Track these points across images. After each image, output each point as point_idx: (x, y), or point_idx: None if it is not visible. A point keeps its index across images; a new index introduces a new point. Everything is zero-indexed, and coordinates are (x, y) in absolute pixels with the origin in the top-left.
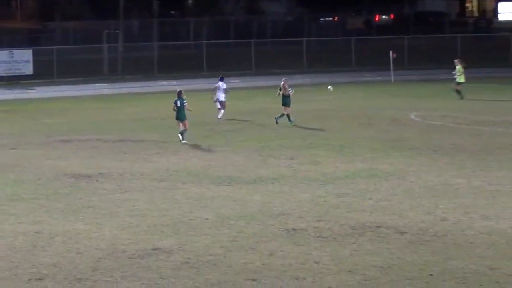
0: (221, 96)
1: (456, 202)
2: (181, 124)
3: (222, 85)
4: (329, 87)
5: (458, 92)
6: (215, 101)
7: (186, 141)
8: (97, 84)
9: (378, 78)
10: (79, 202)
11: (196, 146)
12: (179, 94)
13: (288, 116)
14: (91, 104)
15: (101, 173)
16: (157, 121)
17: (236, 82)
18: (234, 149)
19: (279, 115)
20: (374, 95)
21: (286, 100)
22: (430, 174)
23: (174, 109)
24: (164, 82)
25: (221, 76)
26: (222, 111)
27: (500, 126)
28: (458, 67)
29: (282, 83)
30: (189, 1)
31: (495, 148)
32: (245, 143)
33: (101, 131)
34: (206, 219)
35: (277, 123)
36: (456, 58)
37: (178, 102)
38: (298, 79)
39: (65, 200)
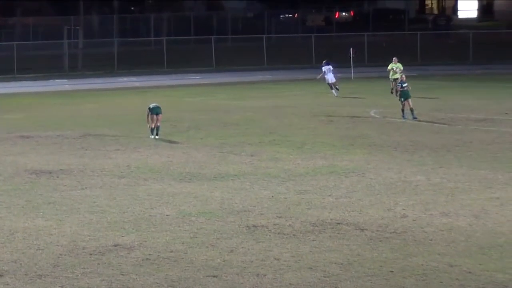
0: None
1: (415, 199)
2: (156, 117)
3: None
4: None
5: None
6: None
7: (157, 136)
8: (57, 80)
9: (339, 75)
10: (39, 198)
11: (157, 143)
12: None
13: (410, 110)
14: (52, 100)
15: (61, 169)
16: (117, 117)
17: (197, 78)
18: (195, 145)
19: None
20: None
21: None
22: (390, 171)
23: (147, 116)
24: (124, 78)
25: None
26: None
27: (460, 123)
28: (399, 65)
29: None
30: None
31: (455, 145)
32: (205, 140)
33: (61, 127)
34: (167, 215)
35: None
36: (394, 56)
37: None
38: (259, 76)
39: (25, 196)
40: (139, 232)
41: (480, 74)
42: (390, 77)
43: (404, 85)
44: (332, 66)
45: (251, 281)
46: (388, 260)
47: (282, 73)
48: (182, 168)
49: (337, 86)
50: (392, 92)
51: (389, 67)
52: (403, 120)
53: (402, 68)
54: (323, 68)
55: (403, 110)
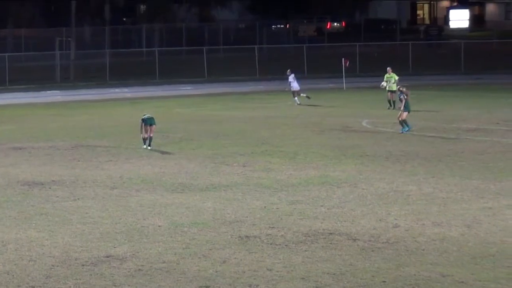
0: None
1: (407, 209)
2: (149, 128)
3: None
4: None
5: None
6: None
7: (149, 147)
8: (49, 91)
9: (331, 85)
10: (31, 210)
11: (149, 153)
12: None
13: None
14: (44, 111)
15: (53, 181)
16: (109, 128)
17: (189, 89)
18: (187, 156)
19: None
20: (326, 102)
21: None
22: (382, 181)
23: (141, 127)
24: (116, 89)
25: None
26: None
27: (452, 133)
28: (393, 75)
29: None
30: (141, 7)
31: (446, 155)
32: (198, 151)
33: (53, 138)
34: (159, 226)
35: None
36: (388, 67)
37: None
38: (251, 86)
39: (17, 207)
40: (131, 243)
41: (471, 84)
42: (386, 89)
43: (402, 96)
44: (295, 76)
45: None
46: (380, 270)
47: (274, 84)
48: (175, 179)
49: (304, 94)
50: (389, 107)
51: (384, 79)
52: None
53: (396, 78)
54: (289, 78)
55: (403, 122)
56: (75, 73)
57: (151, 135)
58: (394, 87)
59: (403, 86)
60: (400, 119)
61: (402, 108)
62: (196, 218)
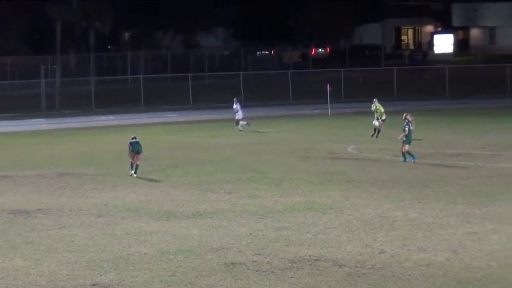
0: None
1: (393, 234)
2: (136, 157)
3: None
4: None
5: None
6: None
7: (135, 175)
8: (35, 119)
9: (316, 111)
10: (17, 238)
11: (135, 181)
12: (134, 139)
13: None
14: (29, 139)
15: (39, 209)
16: (95, 156)
17: (174, 116)
18: (173, 183)
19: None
20: (311, 128)
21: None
22: (368, 207)
23: (129, 150)
24: (102, 117)
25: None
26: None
27: (437, 158)
28: (378, 105)
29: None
30: (126, 35)
31: (432, 180)
32: (183, 178)
33: (39, 166)
34: (145, 254)
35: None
36: (375, 97)
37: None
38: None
39: (3, 236)
40: (117, 271)
41: (456, 108)
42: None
43: (405, 128)
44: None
45: None
46: None
47: (259, 110)
48: (160, 206)
49: (246, 122)
50: (373, 135)
51: (372, 108)
52: (410, 162)
53: (382, 110)
54: (235, 105)
55: (407, 153)
56: (61, 101)
57: (138, 162)
58: (383, 116)
59: (408, 114)
60: (403, 150)
61: (403, 139)
62: (182, 245)
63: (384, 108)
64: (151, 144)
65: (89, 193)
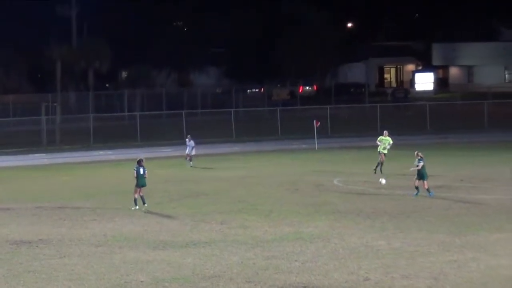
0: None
1: (377, 262)
2: (140, 190)
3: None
4: (382, 180)
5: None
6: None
7: (138, 208)
8: (36, 155)
9: (303, 146)
10: (20, 267)
11: (132, 213)
12: (140, 163)
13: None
14: (31, 173)
15: (41, 239)
16: (94, 189)
17: (168, 151)
18: (168, 215)
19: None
20: (299, 162)
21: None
22: (353, 236)
23: (135, 176)
24: (100, 152)
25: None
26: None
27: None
28: (388, 138)
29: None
30: (123, 74)
31: (413, 211)
32: (178, 209)
33: (40, 199)
34: (142, 281)
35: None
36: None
37: (141, 170)
38: (227, 148)
39: (6, 265)
40: None
41: (437, 143)
42: (378, 149)
43: (419, 163)
44: (193, 142)
45: None
46: None
47: (249, 145)
48: (156, 237)
49: (191, 162)
50: (375, 170)
51: (378, 140)
52: (414, 197)
53: (391, 142)
54: (189, 143)
55: (416, 187)
56: (61, 137)
57: (141, 194)
58: (385, 151)
59: (420, 152)
60: (425, 187)
61: (416, 177)
62: (177, 273)
63: (367, 143)
64: (147, 178)
65: (88, 224)
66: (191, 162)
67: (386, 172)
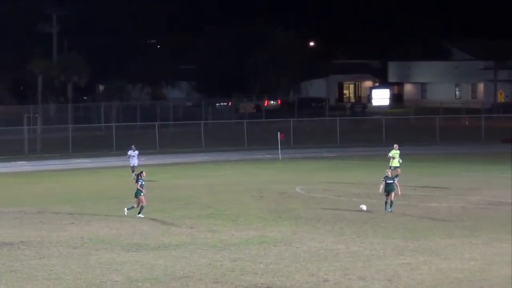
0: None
1: (336, 265)
2: (142, 198)
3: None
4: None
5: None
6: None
7: (142, 216)
8: (18, 162)
9: (268, 156)
10: (1, 267)
11: (107, 217)
12: (141, 175)
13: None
14: (13, 180)
15: (22, 241)
16: (72, 194)
17: (142, 160)
18: (141, 219)
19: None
20: (264, 171)
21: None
22: (314, 241)
23: (138, 187)
24: (78, 160)
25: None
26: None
27: (375, 198)
28: (398, 152)
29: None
30: (100, 87)
31: (370, 217)
32: (150, 214)
33: (22, 204)
34: (116, 281)
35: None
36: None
37: (140, 182)
38: (197, 157)
39: None
40: None
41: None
42: (389, 164)
43: (389, 181)
44: (137, 153)
45: None
46: None
47: (217, 155)
48: (130, 239)
49: (134, 172)
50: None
51: (389, 154)
52: (385, 212)
53: (398, 155)
54: (131, 153)
55: (386, 203)
56: (41, 146)
57: (138, 205)
58: (396, 163)
59: (389, 170)
60: (390, 199)
61: (384, 193)
62: (149, 274)
63: (331, 153)
64: (122, 185)
65: (67, 227)
66: (133, 174)
67: (344, 182)
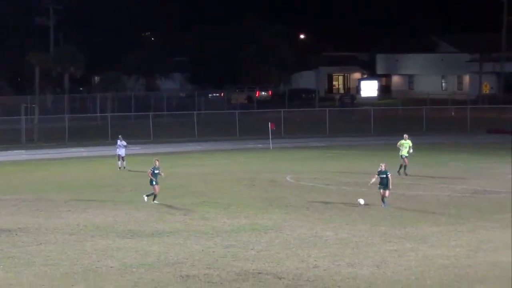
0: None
1: (325, 251)
2: (155, 187)
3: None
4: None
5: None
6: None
7: (157, 202)
8: (15, 151)
9: (259, 145)
10: (0, 253)
11: (103, 204)
12: (156, 164)
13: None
14: (11, 168)
15: (19, 228)
16: (68, 182)
17: (137, 149)
18: (136, 206)
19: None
20: (255, 160)
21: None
22: (303, 228)
23: (149, 175)
24: (74, 149)
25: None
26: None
27: (363, 186)
28: (408, 141)
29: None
30: (96, 79)
31: (359, 205)
32: (144, 202)
33: (19, 191)
34: (111, 267)
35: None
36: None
37: (155, 170)
38: (190, 147)
39: None
40: (87, 282)
41: (380, 144)
42: (400, 153)
43: (382, 175)
44: (124, 143)
45: None
46: None
47: (210, 144)
48: (125, 226)
49: (124, 162)
50: (399, 172)
51: (398, 144)
52: (383, 207)
53: (410, 144)
54: (120, 143)
55: (382, 198)
56: (38, 135)
57: (156, 192)
58: (407, 154)
59: (383, 164)
60: (385, 195)
61: (379, 187)
62: (143, 260)
63: (316, 143)
64: (116, 174)
65: (63, 215)
66: (124, 163)
67: (333, 171)
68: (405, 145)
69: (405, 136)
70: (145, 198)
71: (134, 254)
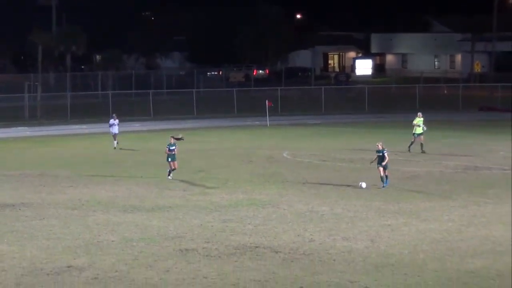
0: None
1: (321, 226)
2: (172, 163)
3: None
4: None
5: (421, 144)
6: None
7: (171, 178)
8: (19, 128)
9: (256, 122)
10: (4, 227)
11: (104, 179)
12: (171, 141)
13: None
14: (14, 144)
15: (23, 203)
16: (70, 158)
17: (137, 126)
18: (136, 182)
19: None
20: (253, 137)
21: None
22: (300, 203)
23: (166, 152)
24: (76, 126)
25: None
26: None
27: (357, 163)
28: (422, 119)
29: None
30: (97, 57)
31: (354, 181)
32: (145, 177)
33: (22, 167)
34: (113, 241)
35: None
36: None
37: (170, 147)
38: (189, 124)
39: None
40: (89, 255)
41: (375, 121)
42: (413, 132)
43: (379, 153)
44: (117, 121)
45: None
46: (298, 277)
47: (209, 121)
48: (125, 201)
49: (116, 142)
50: (409, 150)
51: (414, 122)
52: (384, 187)
53: (420, 124)
54: (112, 121)
55: (381, 178)
56: (41, 112)
57: (175, 167)
58: (420, 130)
59: (380, 143)
60: (383, 174)
61: (378, 165)
62: (143, 234)
63: (313, 120)
64: (117, 150)
65: (65, 190)
66: (115, 142)
67: (329, 147)
68: (419, 122)
69: (419, 114)
70: (169, 177)
71: (134, 228)
